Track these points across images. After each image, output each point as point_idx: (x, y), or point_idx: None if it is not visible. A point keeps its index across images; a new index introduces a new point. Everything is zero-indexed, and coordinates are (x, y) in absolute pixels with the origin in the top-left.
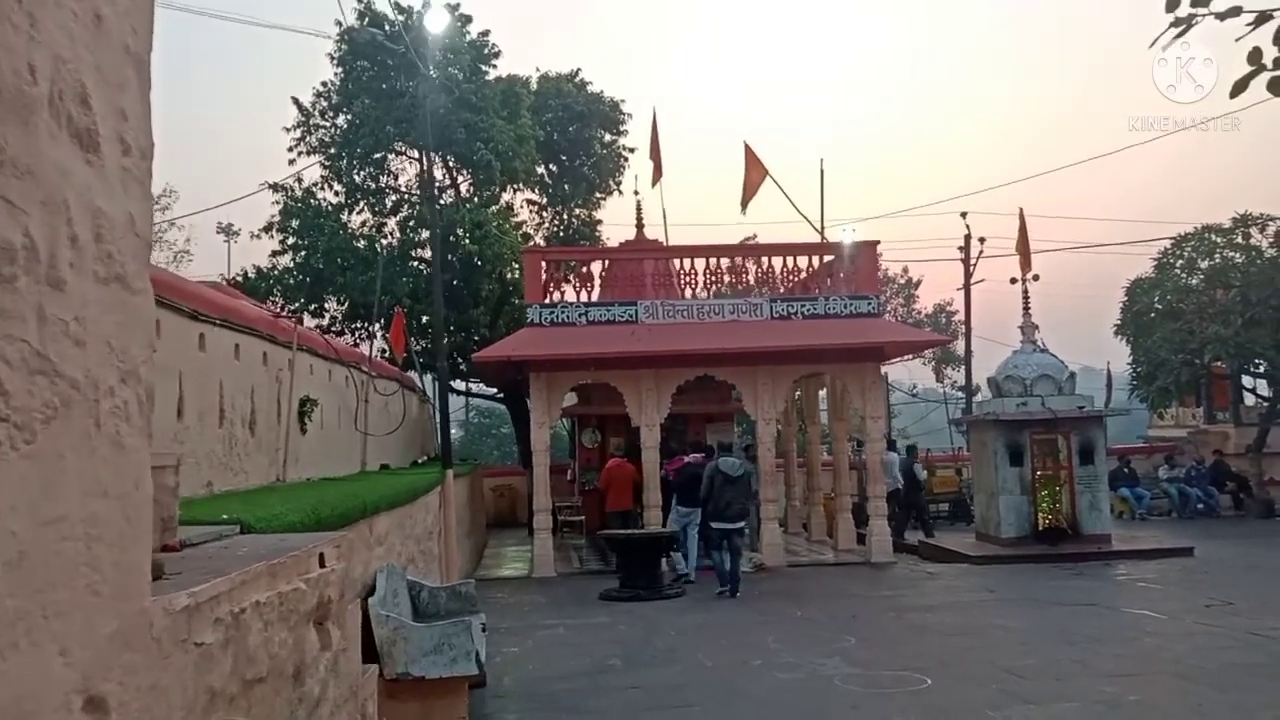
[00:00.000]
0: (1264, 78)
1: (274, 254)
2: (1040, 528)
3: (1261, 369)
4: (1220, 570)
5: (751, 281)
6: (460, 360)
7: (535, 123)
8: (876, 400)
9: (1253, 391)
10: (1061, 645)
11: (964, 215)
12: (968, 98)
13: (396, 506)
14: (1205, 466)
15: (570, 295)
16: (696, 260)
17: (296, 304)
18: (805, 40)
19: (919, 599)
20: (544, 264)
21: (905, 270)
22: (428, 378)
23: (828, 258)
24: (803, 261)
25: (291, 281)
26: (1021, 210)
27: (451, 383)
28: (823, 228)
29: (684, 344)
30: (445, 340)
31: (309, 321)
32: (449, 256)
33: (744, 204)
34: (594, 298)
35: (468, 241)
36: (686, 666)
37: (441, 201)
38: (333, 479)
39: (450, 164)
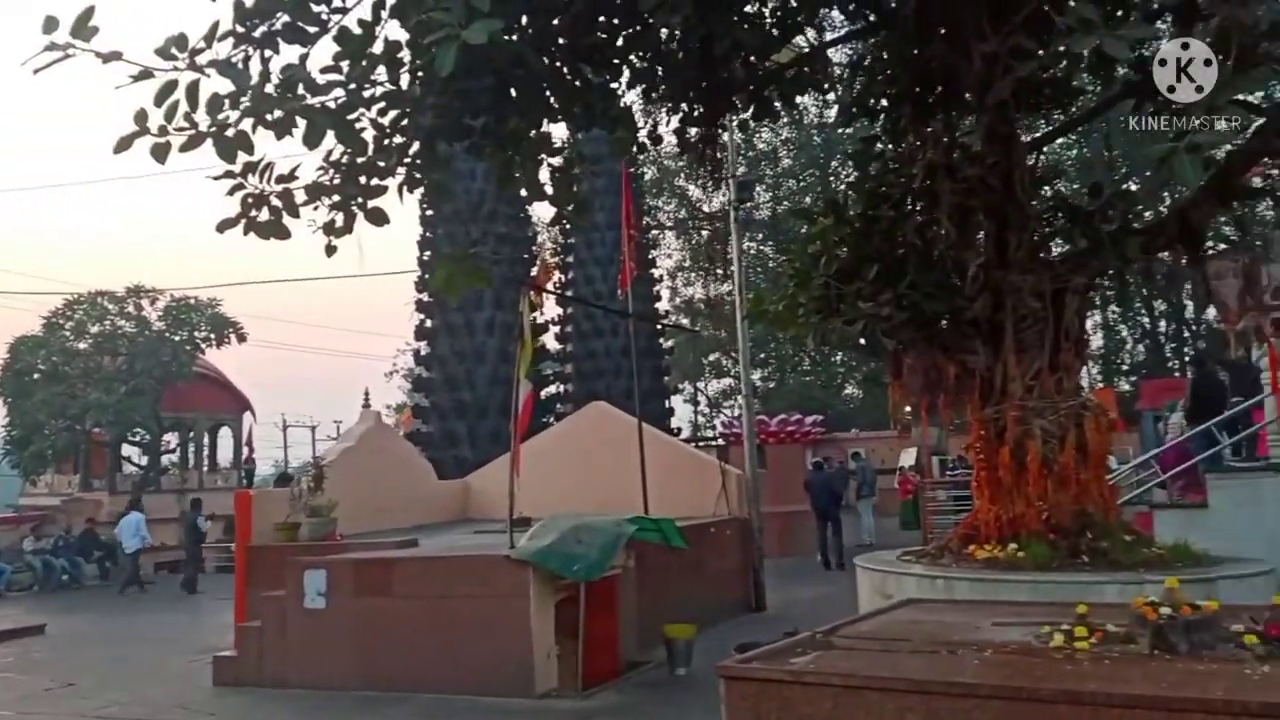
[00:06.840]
0: (148, 141)
1: None
2: None
3: (140, 437)
4: (72, 646)
5: None
6: None
7: None
8: None
9: (129, 460)
10: None
11: None
12: None
13: None
14: (74, 536)
15: None
16: None
17: None
18: None
19: None
20: None
21: None
22: None
23: None
24: None
25: None
26: None
27: None
28: None
29: None
30: None
31: None
32: None
33: None
34: None
35: None
36: None
37: None
38: None
39: None
